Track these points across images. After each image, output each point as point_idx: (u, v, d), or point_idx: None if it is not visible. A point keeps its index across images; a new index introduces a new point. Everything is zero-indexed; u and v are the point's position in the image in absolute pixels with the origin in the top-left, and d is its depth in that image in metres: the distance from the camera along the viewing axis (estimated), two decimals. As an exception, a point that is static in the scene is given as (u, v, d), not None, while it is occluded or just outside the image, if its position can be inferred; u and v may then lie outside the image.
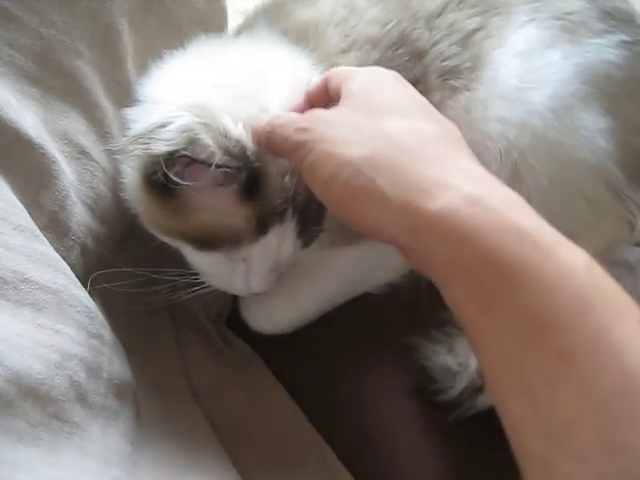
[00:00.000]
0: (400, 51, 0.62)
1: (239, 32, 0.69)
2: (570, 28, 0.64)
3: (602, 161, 0.62)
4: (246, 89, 0.54)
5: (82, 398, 0.45)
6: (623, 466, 0.30)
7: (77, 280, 0.50)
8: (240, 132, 0.50)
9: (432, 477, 0.57)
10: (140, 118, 0.55)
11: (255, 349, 0.67)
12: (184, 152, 0.47)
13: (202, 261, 0.57)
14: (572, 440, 0.31)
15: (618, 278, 0.60)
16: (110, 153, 0.58)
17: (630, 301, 0.33)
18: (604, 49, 0.63)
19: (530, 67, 0.62)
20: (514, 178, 0.62)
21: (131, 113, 0.56)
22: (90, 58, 0.56)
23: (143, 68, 0.61)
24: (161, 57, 0.60)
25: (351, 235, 0.61)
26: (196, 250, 0.55)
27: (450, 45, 0.63)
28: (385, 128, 0.42)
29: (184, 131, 0.48)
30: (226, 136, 0.49)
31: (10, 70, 0.50)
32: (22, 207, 0.47)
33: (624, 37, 0.64)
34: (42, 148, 0.50)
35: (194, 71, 0.58)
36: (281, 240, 0.54)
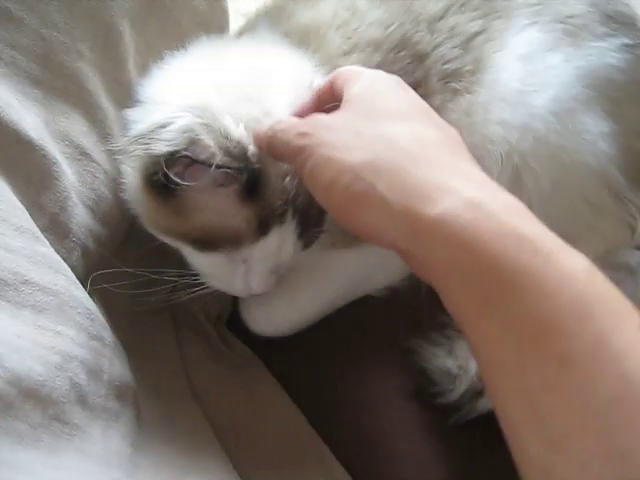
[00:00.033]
0: (402, 54, 0.62)
1: (241, 34, 0.69)
2: (572, 31, 0.64)
3: (604, 165, 0.62)
4: (248, 90, 0.54)
5: (83, 400, 0.45)
6: (623, 472, 0.30)
7: (78, 282, 0.50)
8: (241, 133, 0.50)
9: (432, 480, 0.58)
10: (141, 119, 0.55)
11: (255, 351, 0.67)
12: (185, 152, 0.47)
13: (202, 262, 0.57)
14: (572, 445, 0.31)
15: (619, 282, 0.60)
16: (111, 154, 0.58)
17: (630, 306, 0.33)
18: (606, 52, 0.63)
19: (532, 70, 0.62)
20: (515, 182, 0.63)
21: (132, 114, 0.56)
22: (91, 59, 0.56)
23: (144, 69, 0.61)
24: (162, 58, 0.60)
25: (351, 237, 0.61)
26: (196, 251, 0.55)
27: (452, 48, 0.63)
28: (386, 133, 0.42)
29: (185, 131, 0.48)
30: (227, 137, 0.49)
31: (11, 71, 0.50)
32: (23, 208, 0.47)
33: (626, 40, 0.64)
34: (43, 149, 0.50)
35: (195, 72, 0.58)
36: (281, 241, 0.54)
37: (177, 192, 0.51)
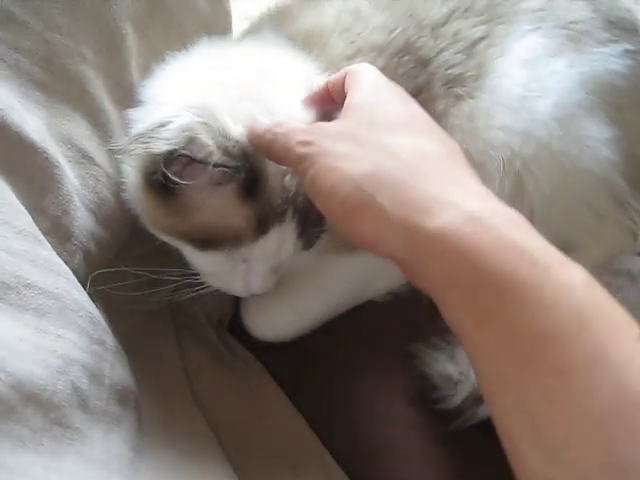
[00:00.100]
0: (405, 59, 0.62)
1: (244, 37, 0.69)
2: (575, 37, 0.64)
3: (606, 171, 0.62)
4: (249, 90, 0.54)
5: (84, 404, 0.45)
6: None
7: (80, 285, 0.50)
8: (240, 132, 0.50)
9: (432, 485, 0.58)
10: (142, 118, 0.55)
11: (256, 355, 0.66)
12: (183, 151, 0.47)
13: (202, 261, 0.57)
14: (571, 456, 0.31)
15: (620, 288, 0.60)
16: (112, 154, 0.58)
17: (628, 318, 0.34)
18: (609, 58, 0.63)
19: (534, 76, 0.62)
20: (517, 187, 0.63)
21: (133, 113, 0.57)
22: (94, 62, 0.56)
23: (147, 72, 0.61)
24: (164, 59, 0.60)
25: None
26: (196, 250, 0.55)
27: (455, 53, 0.63)
28: (387, 144, 0.42)
29: (184, 130, 0.48)
30: (226, 136, 0.49)
31: (14, 74, 0.50)
32: (25, 211, 0.47)
33: (628, 46, 0.64)
34: (45, 152, 0.50)
35: (196, 72, 0.58)
36: (281, 240, 0.54)
37: (176, 191, 0.51)
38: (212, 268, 0.57)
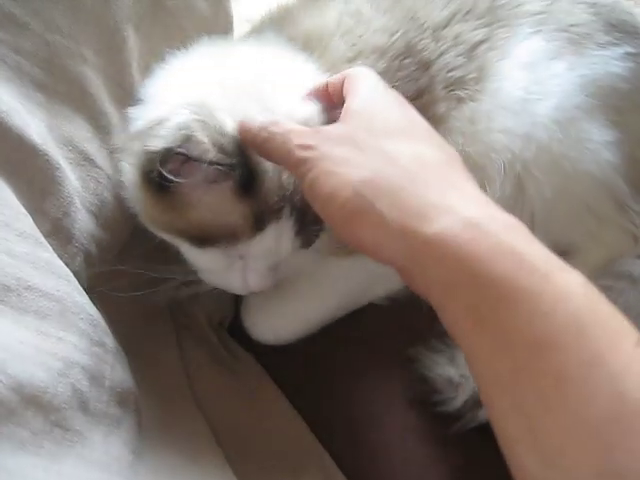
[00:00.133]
0: (407, 61, 0.61)
1: (245, 38, 0.69)
2: (575, 40, 0.64)
3: (607, 173, 0.62)
4: (248, 89, 0.54)
5: (84, 406, 0.45)
6: None
7: (80, 287, 0.50)
8: (236, 130, 0.50)
9: (432, 488, 0.58)
10: (140, 116, 0.55)
11: (256, 357, 0.66)
12: (178, 149, 0.47)
13: (200, 258, 0.56)
14: (567, 462, 0.31)
15: (621, 291, 0.60)
16: (112, 155, 0.58)
17: (627, 324, 0.34)
18: (609, 61, 0.63)
19: (535, 79, 0.62)
20: (518, 190, 0.63)
21: (133, 112, 0.57)
22: (95, 63, 0.56)
23: (148, 73, 0.61)
24: (164, 58, 0.60)
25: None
26: (194, 247, 0.55)
27: (456, 56, 0.63)
28: (387, 150, 0.42)
29: (180, 128, 0.48)
30: (222, 134, 0.49)
31: (16, 75, 0.50)
32: (26, 213, 0.47)
33: (629, 49, 0.64)
34: (46, 154, 0.50)
35: (196, 71, 0.58)
36: (278, 238, 0.54)
37: (173, 188, 0.51)
38: (210, 265, 0.57)
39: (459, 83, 0.63)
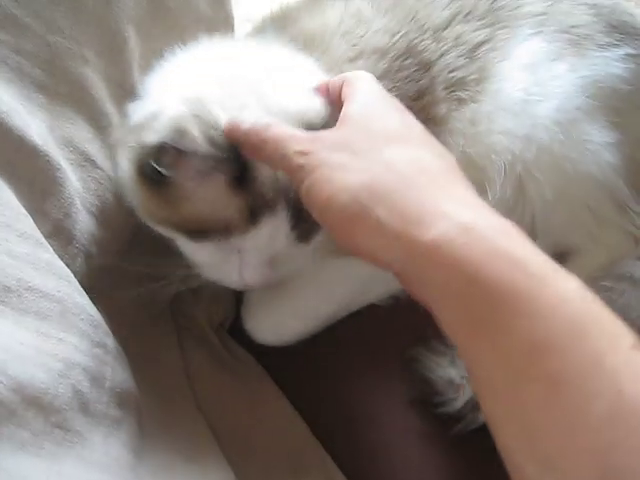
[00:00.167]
0: (408, 62, 0.62)
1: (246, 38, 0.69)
2: (576, 41, 0.64)
3: (608, 175, 0.62)
4: (245, 84, 0.53)
5: (85, 407, 0.45)
6: None
7: (81, 288, 0.49)
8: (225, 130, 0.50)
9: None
10: (137, 111, 0.55)
11: (256, 358, 0.66)
12: (170, 142, 0.48)
13: (196, 252, 0.56)
14: (567, 464, 0.31)
15: (622, 293, 0.60)
16: (112, 154, 0.58)
17: (623, 327, 0.34)
18: (610, 62, 0.63)
19: (536, 80, 0.63)
20: (518, 191, 0.63)
21: (132, 107, 0.57)
22: (96, 65, 0.56)
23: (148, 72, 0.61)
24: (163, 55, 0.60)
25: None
26: (190, 241, 0.55)
27: (457, 57, 0.63)
28: (384, 157, 0.43)
29: (173, 122, 0.48)
30: (215, 127, 0.49)
31: (17, 76, 0.50)
32: (27, 214, 0.47)
33: (630, 50, 0.65)
34: (47, 155, 0.50)
35: (193, 67, 0.58)
36: (274, 231, 0.54)
37: (167, 182, 0.51)
38: (206, 259, 0.57)
39: (460, 84, 0.63)
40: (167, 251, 0.59)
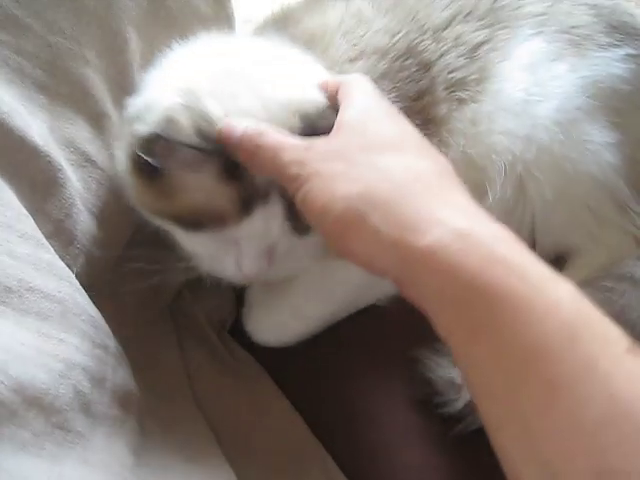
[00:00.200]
0: (408, 62, 0.62)
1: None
2: (576, 42, 0.64)
3: (608, 175, 0.62)
4: (242, 77, 0.53)
5: (86, 408, 0.45)
6: None
7: (82, 289, 0.49)
8: (221, 115, 0.50)
9: (434, 490, 0.57)
10: (133, 104, 0.55)
11: (256, 358, 0.66)
12: (161, 133, 0.48)
13: (193, 243, 0.56)
14: (564, 467, 0.32)
15: (623, 293, 0.60)
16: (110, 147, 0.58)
17: (617, 331, 0.34)
18: (610, 63, 0.63)
19: (536, 80, 0.63)
20: (519, 192, 0.63)
21: (130, 101, 0.56)
22: (97, 65, 0.57)
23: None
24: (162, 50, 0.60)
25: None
26: (185, 231, 0.54)
27: (457, 57, 0.63)
28: (379, 164, 0.43)
29: (165, 113, 0.48)
30: (206, 119, 0.49)
31: (17, 77, 0.50)
32: (28, 215, 0.47)
33: (630, 51, 0.65)
34: (48, 156, 0.50)
35: (191, 60, 0.57)
36: (267, 222, 0.53)
37: (160, 173, 0.51)
38: (203, 250, 0.56)
39: (460, 84, 0.63)
40: (167, 247, 0.59)
